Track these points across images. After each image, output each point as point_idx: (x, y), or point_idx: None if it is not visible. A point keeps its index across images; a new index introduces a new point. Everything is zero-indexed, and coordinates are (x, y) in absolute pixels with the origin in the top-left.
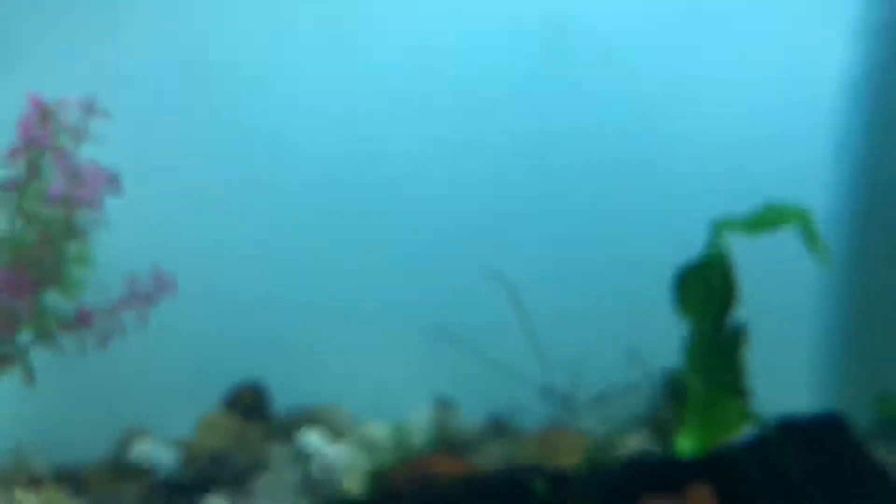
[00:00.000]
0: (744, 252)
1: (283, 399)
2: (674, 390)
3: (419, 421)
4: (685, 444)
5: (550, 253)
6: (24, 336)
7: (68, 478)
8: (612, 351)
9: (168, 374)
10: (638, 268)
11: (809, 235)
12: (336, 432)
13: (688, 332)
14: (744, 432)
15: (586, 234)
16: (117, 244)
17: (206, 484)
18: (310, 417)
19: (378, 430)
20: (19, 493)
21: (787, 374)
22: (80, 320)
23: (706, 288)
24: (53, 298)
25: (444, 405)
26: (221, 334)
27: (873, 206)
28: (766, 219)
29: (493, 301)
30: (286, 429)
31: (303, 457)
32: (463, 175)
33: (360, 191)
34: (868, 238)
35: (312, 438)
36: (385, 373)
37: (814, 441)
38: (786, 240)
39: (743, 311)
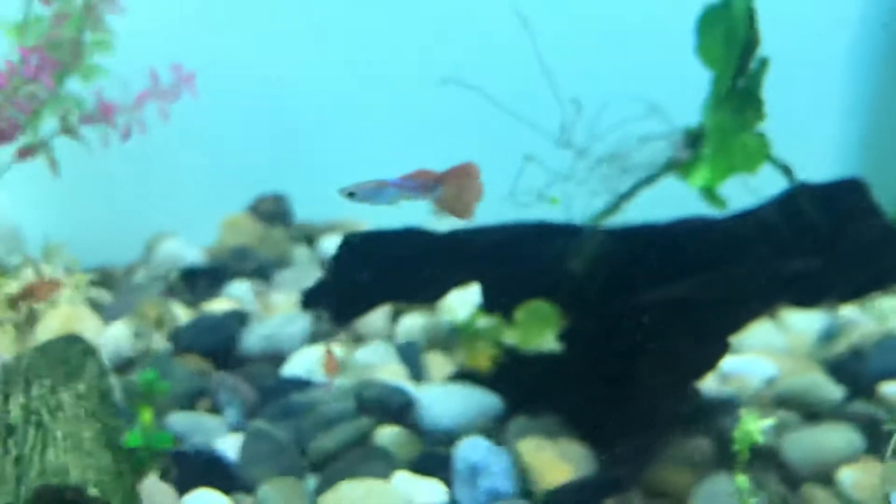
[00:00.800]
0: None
1: (303, 211)
2: (694, 137)
3: None
4: (699, 178)
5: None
6: (47, 126)
7: (99, 275)
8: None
9: (194, 182)
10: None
11: None
12: None
13: (710, 74)
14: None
15: None
16: (139, 44)
17: (229, 273)
18: (329, 227)
19: None
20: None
21: (814, 143)
22: (103, 112)
23: (728, 29)
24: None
25: None
26: (247, 146)
27: None
28: None
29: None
30: (306, 235)
31: (323, 259)
32: None
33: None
34: None
35: (333, 243)
36: None
37: (835, 202)
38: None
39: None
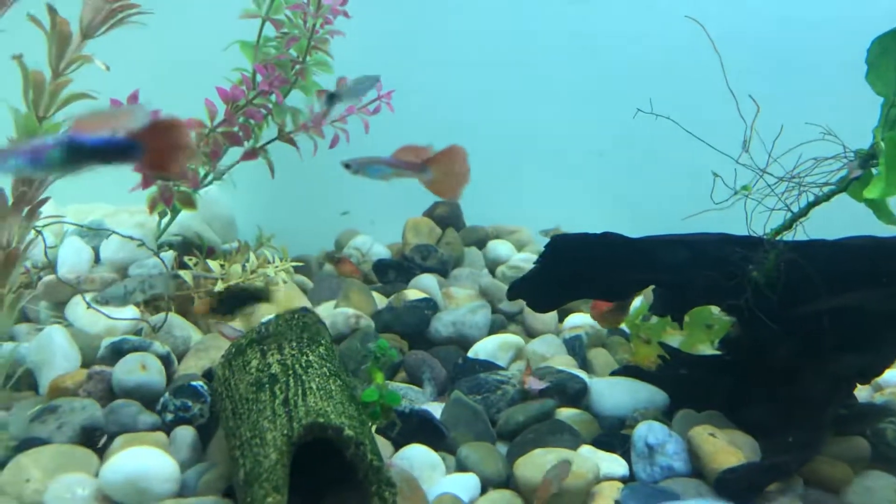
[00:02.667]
0: None
1: (471, 217)
2: (867, 157)
3: None
4: (874, 191)
5: None
6: (268, 133)
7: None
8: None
9: (377, 187)
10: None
11: None
12: (518, 245)
13: (883, 98)
14: None
15: None
16: (348, 56)
17: (417, 267)
18: (495, 232)
19: None
20: (267, 252)
21: None
22: (315, 122)
23: None
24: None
25: None
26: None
27: None
28: None
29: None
30: (476, 238)
31: (492, 259)
32: None
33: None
34: None
35: (500, 246)
36: (559, 201)
37: None
38: None
39: None
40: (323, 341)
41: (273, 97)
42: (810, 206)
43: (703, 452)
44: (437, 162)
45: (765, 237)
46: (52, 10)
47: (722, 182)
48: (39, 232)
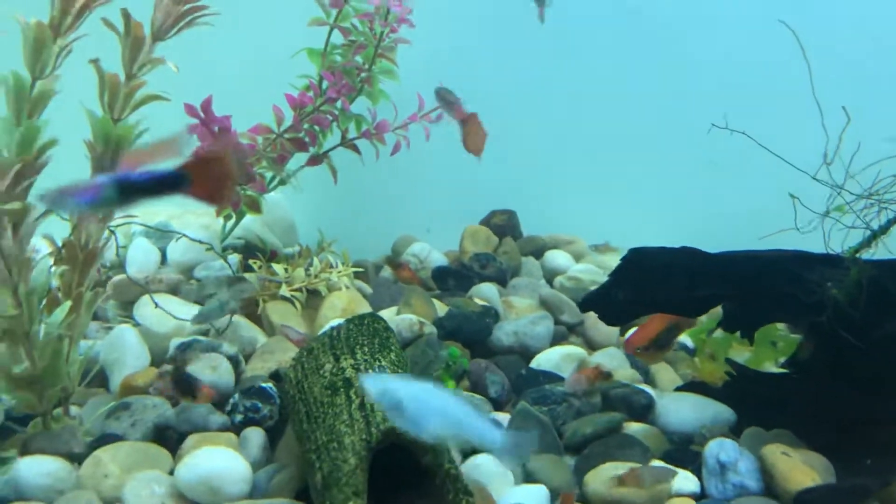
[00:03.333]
0: None
1: (527, 226)
2: None
3: None
4: None
5: None
6: (330, 140)
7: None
8: None
9: (434, 194)
10: None
11: None
12: (575, 256)
13: None
14: None
15: None
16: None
17: (476, 275)
18: (552, 243)
19: (611, 260)
20: (330, 257)
21: None
22: (378, 129)
23: None
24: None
25: None
26: (486, 166)
27: None
28: None
29: None
30: (533, 248)
31: (550, 269)
32: None
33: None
34: None
35: (558, 256)
36: (618, 213)
37: None
38: None
39: None
40: (393, 347)
41: (339, 104)
42: (891, 223)
43: (776, 471)
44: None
45: (843, 254)
46: (126, 14)
47: (800, 203)
48: (113, 232)
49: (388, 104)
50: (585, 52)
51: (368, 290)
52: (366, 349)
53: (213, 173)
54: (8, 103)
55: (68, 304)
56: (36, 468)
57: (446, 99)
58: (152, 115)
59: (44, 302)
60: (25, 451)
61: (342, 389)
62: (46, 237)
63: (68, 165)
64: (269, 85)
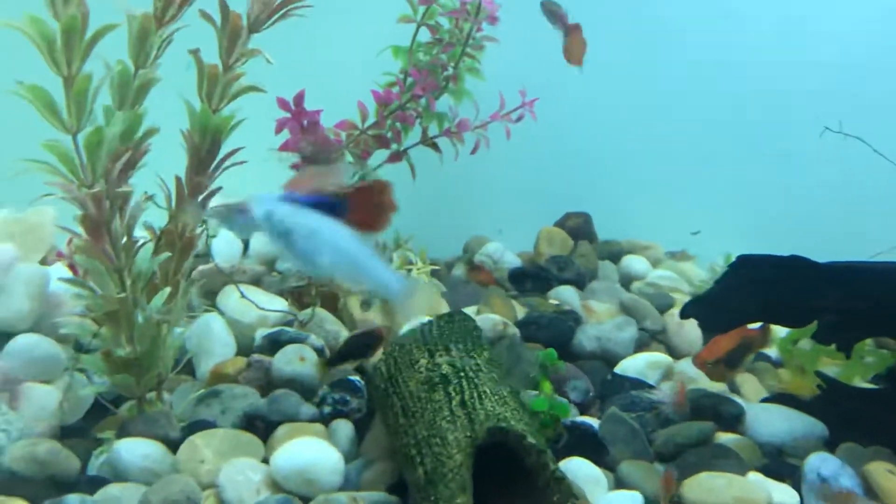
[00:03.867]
0: None
1: (602, 231)
2: None
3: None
4: None
5: None
6: (410, 137)
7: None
8: None
9: (507, 195)
10: None
11: None
12: (652, 261)
13: None
14: None
15: None
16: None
17: (554, 277)
18: (629, 247)
19: (688, 268)
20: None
21: None
22: (459, 127)
23: None
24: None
25: None
26: (554, 167)
27: None
28: None
29: None
30: (610, 252)
31: (626, 274)
32: None
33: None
34: None
35: (635, 262)
36: (692, 218)
37: None
38: None
39: None
40: (485, 346)
41: (422, 102)
42: None
43: (881, 490)
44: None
45: None
46: (224, 6)
47: None
48: (205, 221)
49: (467, 102)
50: (664, 55)
51: (443, 288)
52: (460, 346)
53: (372, 203)
54: (112, 92)
55: (167, 290)
56: (135, 450)
57: (551, 10)
58: (243, 107)
59: (144, 287)
60: (123, 433)
61: (440, 386)
62: (147, 225)
63: (163, 154)
64: (351, 80)
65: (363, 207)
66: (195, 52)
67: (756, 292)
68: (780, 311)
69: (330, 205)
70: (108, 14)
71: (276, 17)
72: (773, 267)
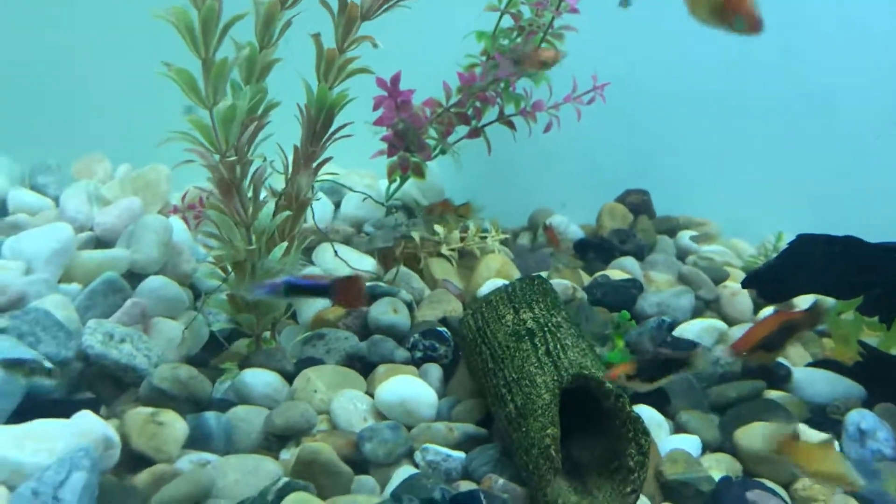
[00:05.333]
0: None
1: (661, 207)
2: None
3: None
4: None
5: None
6: (487, 116)
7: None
8: None
9: (570, 171)
10: None
11: None
12: (707, 238)
13: None
14: None
15: None
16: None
17: (616, 249)
18: (686, 223)
19: (740, 243)
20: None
21: None
22: (534, 107)
23: None
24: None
25: None
26: (618, 145)
27: None
28: None
29: None
30: (667, 227)
31: (682, 248)
32: None
33: None
34: None
35: (689, 237)
36: (747, 198)
37: None
38: None
39: None
40: (562, 307)
41: (502, 84)
42: None
43: None
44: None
45: None
46: None
47: None
48: (313, 187)
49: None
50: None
51: (511, 255)
52: (542, 305)
53: (351, 289)
54: (240, 69)
55: (284, 244)
56: (259, 379)
57: None
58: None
59: (266, 242)
60: (245, 364)
61: (526, 338)
62: (269, 188)
63: (276, 126)
64: (437, 63)
65: (344, 291)
66: (316, 36)
67: (811, 268)
68: (831, 285)
69: (321, 288)
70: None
71: (385, 7)
72: (828, 245)
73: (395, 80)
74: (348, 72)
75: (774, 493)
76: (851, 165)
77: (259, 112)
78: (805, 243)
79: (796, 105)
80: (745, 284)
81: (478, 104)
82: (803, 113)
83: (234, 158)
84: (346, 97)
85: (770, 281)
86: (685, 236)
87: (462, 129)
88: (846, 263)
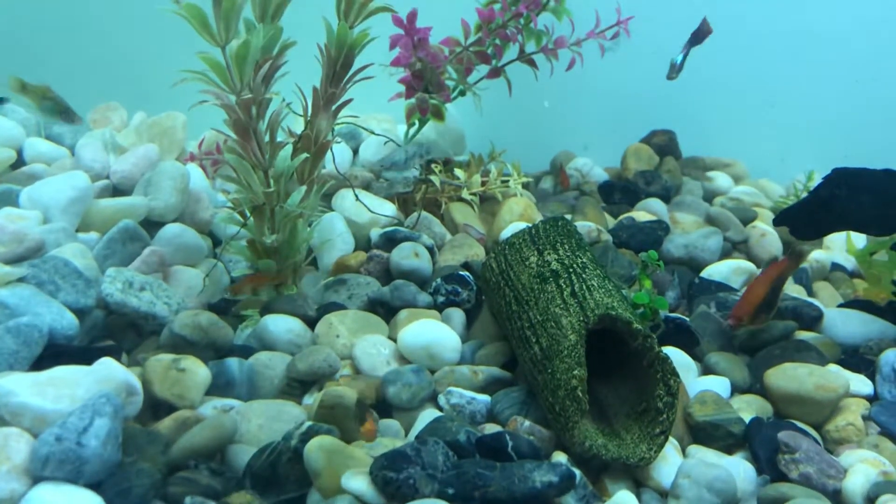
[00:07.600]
0: None
1: (687, 148)
2: None
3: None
4: None
5: None
6: (507, 55)
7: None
8: None
9: (592, 112)
10: None
11: None
12: (734, 178)
13: None
14: None
15: None
16: None
17: (641, 191)
18: (713, 164)
19: (769, 184)
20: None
21: None
22: (556, 44)
23: None
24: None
25: None
26: (645, 86)
27: None
28: None
29: None
30: (694, 168)
31: (710, 189)
32: None
33: None
34: None
35: (720, 178)
36: (775, 140)
37: None
38: None
39: None
40: (587, 248)
41: (522, 20)
42: None
43: None
44: None
45: None
46: None
47: None
48: (333, 129)
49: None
50: None
51: (533, 199)
52: (566, 247)
53: None
54: (254, 7)
55: (303, 188)
56: (281, 325)
57: None
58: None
59: (285, 185)
60: (266, 311)
61: (551, 279)
62: (287, 129)
63: (295, 67)
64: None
65: None
66: None
67: (846, 202)
68: (867, 220)
69: None
70: None
71: None
72: (865, 178)
73: (412, 17)
74: (369, 10)
75: (806, 434)
76: (886, 100)
77: (275, 52)
78: (840, 176)
79: (827, 41)
80: (777, 222)
81: (498, 42)
82: (836, 49)
83: (249, 97)
84: (367, 37)
85: (803, 218)
86: (714, 177)
87: (481, 70)
88: (883, 198)
